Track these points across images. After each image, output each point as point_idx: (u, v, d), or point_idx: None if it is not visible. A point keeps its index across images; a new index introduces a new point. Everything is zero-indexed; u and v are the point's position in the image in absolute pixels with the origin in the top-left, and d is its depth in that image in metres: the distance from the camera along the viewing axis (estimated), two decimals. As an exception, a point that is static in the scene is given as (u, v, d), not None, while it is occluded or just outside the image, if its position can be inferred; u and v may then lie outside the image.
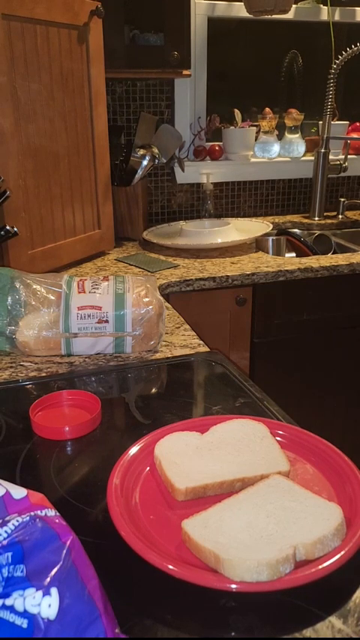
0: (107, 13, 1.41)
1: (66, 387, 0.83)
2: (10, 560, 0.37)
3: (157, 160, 1.75)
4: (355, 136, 2.12)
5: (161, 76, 1.64)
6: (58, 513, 0.41)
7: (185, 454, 0.62)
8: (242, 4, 1.76)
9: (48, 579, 0.37)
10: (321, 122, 1.98)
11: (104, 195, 1.55)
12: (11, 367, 0.90)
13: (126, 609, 0.45)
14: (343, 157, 2.03)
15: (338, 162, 2.01)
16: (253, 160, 2.03)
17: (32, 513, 0.39)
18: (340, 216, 2.07)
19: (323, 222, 2.03)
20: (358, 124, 2.16)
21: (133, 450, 0.63)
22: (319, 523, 0.50)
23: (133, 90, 1.85)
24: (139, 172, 1.74)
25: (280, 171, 2.08)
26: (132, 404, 0.79)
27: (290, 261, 1.54)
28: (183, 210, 2.02)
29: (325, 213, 2.07)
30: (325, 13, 2.01)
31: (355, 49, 1.82)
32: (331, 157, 2.00)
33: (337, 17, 2.04)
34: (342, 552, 0.47)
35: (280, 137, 2.07)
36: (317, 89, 2.07)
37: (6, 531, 0.37)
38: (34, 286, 0.92)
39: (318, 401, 1.68)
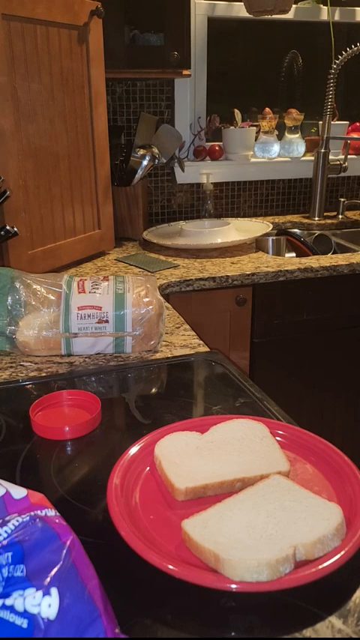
0: (107, 13, 1.41)
1: (66, 387, 0.83)
2: (10, 560, 0.37)
3: (157, 160, 1.75)
4: (355, 136, 2.12)
5: (161, 76, 1.64)
6: (58, 513, 0.41)
7: (185, 454, 0.62)
8: (242, 4, 1.76)
9: (48, 579, 0.37)
10: (321, 122, 1.98)
11: (104, 196, 1.55)
12: (11, 367, 0.90)
13: (126, 609, 0.45)
14: (343, 157, 2.03)
15: (338, 163, 2.01)
16: (253, 160, 2.03)
17: (32, 513, 0.39)
18: (340, 216, 2.07)
19: (323, 222, 2.03)
20: (358, 124, 2.16)
21: (133, 450, 0.63)
22: (319, 523, 0.50)
23: (133, 90, 1.85)
24: (139, 172, 1.74)
25: (280, 172, 2.08)
26: (132, 404, 0.79)
27: (290, 261, 1.54)
28: (183, 210, 2.02)
29: (325, 214, 2.07)
30: (325, 13, 2.01)
31: (355, 49, 1.82)
32: (331, 157, 2.00)
33: (337, 17, 2.04)
34: (342, 552, 0.47)
35: (280, 137, 2.07)
36: (317, 89, 2.07)
37: (6, 531, 0.37)
38: (34, 286, 0.92)
39: (318, 401, 1.68)
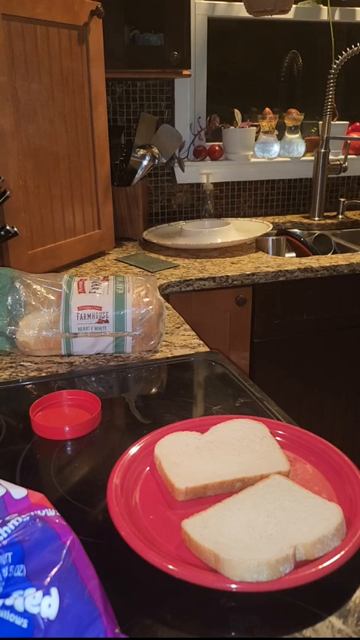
0: (107, 13, 1.41)
1: (66, 387, 0.83)
2: (10, 560, 0.37)
3: (157, 160, 1.75)
4: (355, 136, 2.12)
5: (161, 76, 1.64)
6: (58, 513, 0.41)
7: (185, 454, 0.62)
8: (242, 4, 1.76)
9: (48, 579, 0.37)
10: (321, 122, 1.98)
11: (104, 196, 1.55)
12: (11, 367, 0.90)
13: (126, 609, 0.45)
14: (343, 157, 2.03)
15: (338, 163, 2.01)
16: (253, 160, 2.03)
17: (32, 513, 0.39)
18: (340, 216, 2.07)
19: (323, 222, 2.03)
20: (358, 124, 2.16)
21: (133, 450, 0.63)
22: (319, 523, 0.50)
23: (133, 90, 1.85)
24: (139, 172, 1.74)
25: (280, 172, 2.08)
26: (132, 404, 0.79)
27: (290, 261, 1.54)
28: (183, 210, 2.02)
29: (325, 213, 2.07)
30: (325, 13, 2.01)
31: (355, 49, 1.82)
32: (331, 157, 2.00)
33: (337, 17, 2.04)
34: (342, 552, 0.47)
35: (280, 137, 2.07)
36: (317, 89, 2.07)
37: (6, 531, 0.37)
38: (34, 286, 0.92)
39: (318, 401, 1.68)
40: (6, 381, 0.85)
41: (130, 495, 0.57)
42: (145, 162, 1.73)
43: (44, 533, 0.39)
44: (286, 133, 2.07)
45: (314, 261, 1.54)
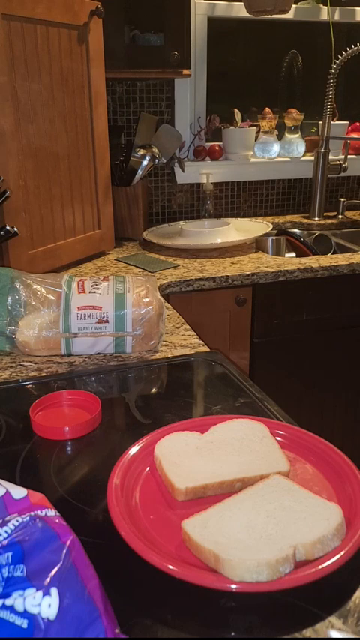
0: (107, 13, 1.41)
1: (66, 387, 0.83)
2: (10, 560, 0.37)
3: (157, 160, 1.75)
4: (355, 136, 2.12)
5: (161, 76, 1.64)
6: (58, 513, 0.41)
7: (185, 454, 0.62)
8: (242, 4, 1.76)
9: (48, 579, 0.37)
10: (321, 122, 1.98)
11: (104, 196, 1.55)
12: (11, 367, 0.90)
13: (126, 609, 0.45)
14: (343, 157, 2.03)
15: (338, 163, 2.01)
16: (253, 160, 2.03)
17: (32, 513, 0.39)
18: (340, 216, 2.07)
19: (323, 222, 2.03)
20: (358, 124, 2.15)
21: (133, 450, 0.63)
22: (319, 523, 0.50)
23: (133, 90, 1.85)
24: (139, 172, 1.74)
25: (280, 172, 2.08)
26: (132, 404, 0.79)
27: (290, 261, 1.54)
28: (183, 210, 2.02)
29: (325, 213, 2.07)
30: (325, 13, 2.01)
31: (355, 49, 1.82)
32: (331, 157, 2.00)
33: (337, 17, 2.04)
34: (342, 552, 0.47)
35: (280, 137, 2.07)
36: (317, 89, 2.07)
37: (6, 531, 0.37)
38: (34, 286, 0.92)
39: (318, 401, 1.68)
40: (6, 381, 0.85)
41: (130, 495, 0.57)
42: (145, 162, 1.73)
43: (44, 533, 0.39)
44: (286, 133, 2.07)
45: (314, 261, 1.54)
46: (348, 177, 2.17)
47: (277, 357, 1.59)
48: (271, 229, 1.79)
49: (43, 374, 0.88)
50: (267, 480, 0.57)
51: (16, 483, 0.44)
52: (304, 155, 2.08)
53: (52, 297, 0.91)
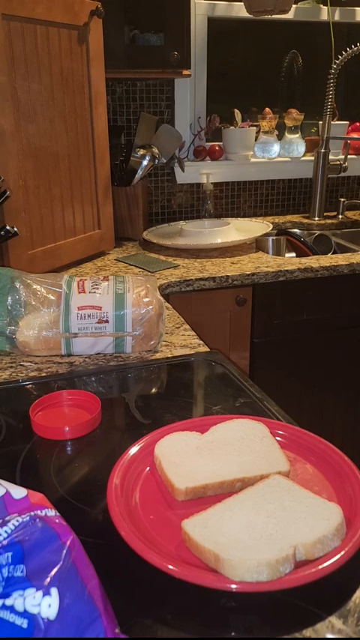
0: (107, 13, 1.41)
1: (66, 387, 0.83)
2: (10, 560, 0.37)
3: (157, 160, 1.75)
4: (355, 136, 2.12)
5: (161, 76, 1.64)
6: (58, 513, 0.41)
7: (185, 454, 0.62)
8: (242, 4, 1.76)
9: (48, 579, 0.37)
10: (321, 122, 1.98)
11: (104, 196, 1.55)
12: (11, 367, 0.90)
13: (126, 609, 0.45)
14: (343, 157, 2.03)
15: (338, 163, 2.01)
16: (253, 160, 2.03)
17: (32, 513, 0.39)
18: (340, 216, 2.07)
19: (323, 222, 2.03)
20: (358, 124, 2.16)
21: (133, 450, 0.63)
22: (319, 523, 0.50)
23: (133, 90, 1.85)
24: (139, 172, 1.74)
25: (280, 172, 2.08)
26: (132, 404, 0.79)
27: (290, 261, 1.54)
28: (183, 210, 2.02)
29: (325, 213, 2.07)
30: (325, 13, 2.01)
31: (355, 49, 1.82)
32: (331, 157, 2.00)
33: (337, 17, 2.04)
34: (342, 552, 0.47)
35: (280, 137, 2.07)
36: (317, 89, 2.07)
37: (6, 531, 0.37)
38: (34, 286, 0.92)
39: (318, 401, 1.68)
40: (6, 381, 0.85)
41: (130, 495, 0.57)
42: (145, 162, 1.73)
43: (44, 533, 0.39)
44: (286, 133, 2.07)
45: (314, 261, 1.54)
46: (348, 177, 2.17)
47: (277, 357, 1.59)
48: (271, 229, 1.79)
49: (43, 374, 0.88)
50: (267, 480, 0.57)
51: (16, 483, 0.44)
52: (304, 155, 2.08)
53: (52, 297, 0.91)
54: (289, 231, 1.91)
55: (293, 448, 0.65)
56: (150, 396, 0.81)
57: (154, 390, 0.83)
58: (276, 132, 2.04)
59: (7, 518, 0.38)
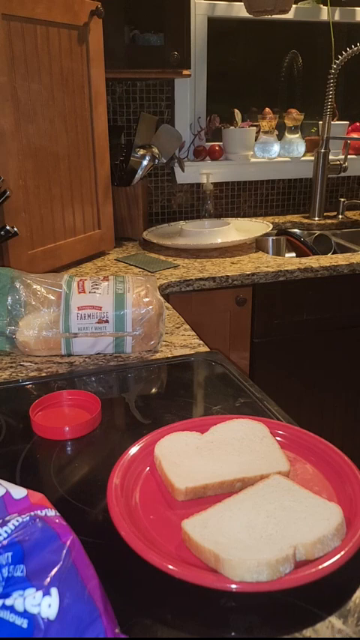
0: (107, 13, 1.41)
1: (66, 387, 0.83)
2: (10, 560, 0.37)
3: (157, 160, 1.75)
4: (355, 136, 2.12)
5: (161, 76, 1.64)
6: (58, 513, 0.41)
7: (185, 454, 0.62)
8: (242, 4, 1.76)
9: (48, 579, 0.37)
10: (321, 122, 1.98)
11: (104, 196, 1.55)
12: (11, 367, 0.90)
13: (126, 609, 0.45)
14: (343, 157, 2.03)
15: (338, 163, 2.01)
16: (253, 159, 2.03)
17: (32, 513, 0.39)
18: (340, 216, 2.07)
19: (323, 222, 2.03)
20: (358, 124, 2.16)
21: (133, 450, 0.63)
22: (319, 523, 0.50)
23: (133, 90, 1.85)
24: (139, 172, 1.74)
25: (280, 172, 2.08)
26: (132, 404, 0.79)
27: (290, 261, 1.54)
28: (183, 210, 2.02)
29: (325, 213, 2.07)
30: (325, 13, 2.01)
31: (355, 49, 1.82)
32: (331, 157, 2.00)
33: (337, 17, 2.04)
34: (342, 552, 0.47)
35: (280, 137, 2.07)
36: (317, 89, 2.07)
37: (6, 531, 0.37)
38: (34, 286, 0.92)
39: (318, 401, 1.68)
40: (6, 381, 0.85)
41: (130, 495, 0.57)
42: (145, 162, 1.73)
43: (44, 533, 0.39)
44: (286, 133, 2.07)
45: (314, 261, 1.54)
46: (348, 177, 2.17)
47: (277, 357, 1.59)
48: (271, 229, 1.79)
49: (43, 374, 0.88)
50: (267, 480, 0.57)
51: (16, 483, 0.44)
52: (304, 155, 2.08)
53: (52, 297, 0.91)
54: (289, 231, 1.91)
55: (293, 448, 0.65)
56: (150, 396, 0.81)
57: (154, 390, 0.83)
58: (276, 132, 2.04)
59: (7, 518, 0.38)
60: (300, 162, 2.08)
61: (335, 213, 2.10)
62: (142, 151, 1.73)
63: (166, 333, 1.04)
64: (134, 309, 0.91)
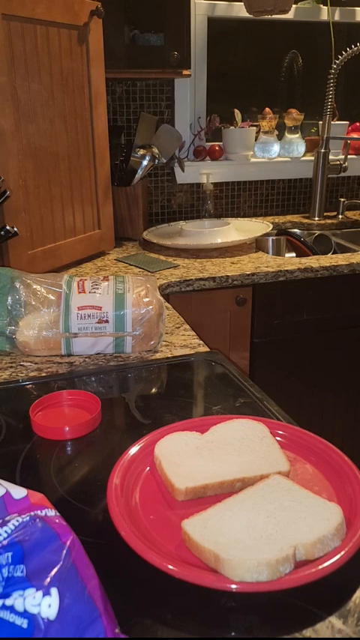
0: (107, 13, 1.41)
1: (66, 387, 0.83)
2: (10, 560, 0.37)
3: (157, 160, 1.75)
4: (355, 136, 2.12)
5: (161, 76, 1.64)
6: (58, 513, 0.41)
7: (185, 454, 0.62)
8: (242, 4, 1.76)
9: (48, 579, 0.37)
10: (321, 122, 1.98)
11: (104, 195, 1.55)
12: (11, 367, 0.90)
13: (126, 609, 0.45)
14: (343, 157, 2.03)
15: (338, 163, 2.01)
16: (253, 160, 2.03)
17: (32, 513, 0.39)
18: (340, 216, 2.07)
19: (323, 222, 2.03)
20: (358, 124, 2.15)
21: (133, 450, 0.63)
22: (319, 523, 0.50)
23: (133, 90, 1.85)
24: (139, 172, 1.74)
25: (280, 172, 2.08)
26: (132, 404, 0.79)
27: (290, 261, 1.54)
28: (183, 210, 2.02)
29: (325, 213, 2.07)
30: (325, 13, 2.01)
31: (355, 49, 1.82)
32: (331, 157, 2.00)
33: (337, 17, 2.04)
34: (342, 552, 0.47)
35: (280, 137, 2.07)
36: (317, 89, 2.07)
37: (6, 531, 0.37)
38: (34, 286, 0.92)
39: (318, 401, 1.68)
40: (6, 381, 0.85)
41: (130, 495, 0.57)
42: (145, 162, 1.73)
43: (44, 533, 0.39)
44: (286, 133, 2.07)
45: (314, 261, 1.54)
46: (348, 177, 2.17)
47: (277, 357, 1.59)
48: (271, 229, 1.79)
49: (43, 374, 0.88)
50: (267, 480, 0.57)
51: (16, 483, 0.44)
52: (304, 155, 2.08)
53: (52, 297, 0.91)
54: (289, 231, 1.91)
55: (293, 448, 0.65)
56: (150, 396, 0.81)
57: (154, 390, 0.83)
58: (276, 132, 2.04)
59: (7, 518, 0.38)
60: (300, 163, 2.08)
61: (335, 213, 2.10)
62: (142, 151, 1.73)
63: (166, 333, 1.04)
64: (134, 309, 0.91)
